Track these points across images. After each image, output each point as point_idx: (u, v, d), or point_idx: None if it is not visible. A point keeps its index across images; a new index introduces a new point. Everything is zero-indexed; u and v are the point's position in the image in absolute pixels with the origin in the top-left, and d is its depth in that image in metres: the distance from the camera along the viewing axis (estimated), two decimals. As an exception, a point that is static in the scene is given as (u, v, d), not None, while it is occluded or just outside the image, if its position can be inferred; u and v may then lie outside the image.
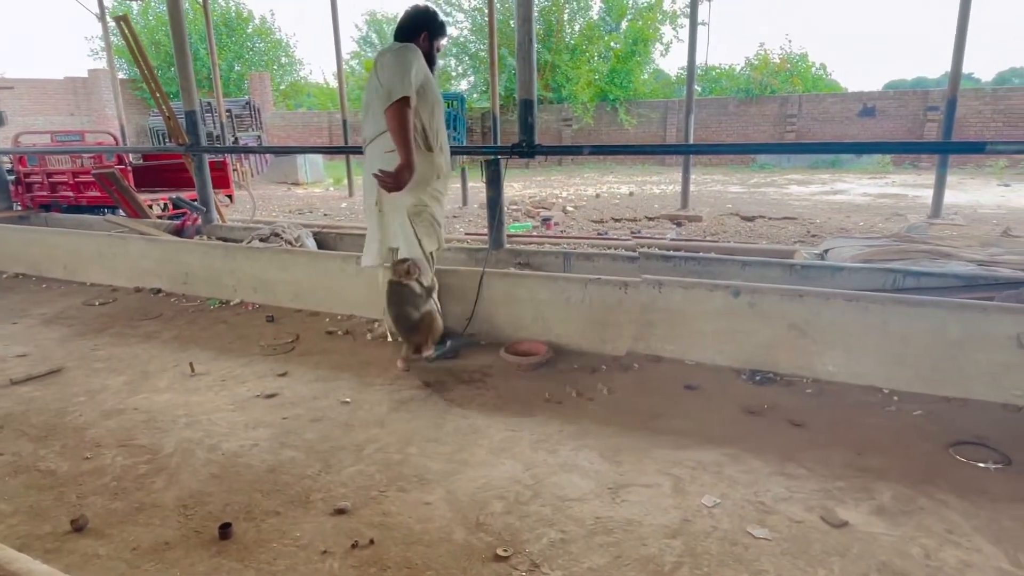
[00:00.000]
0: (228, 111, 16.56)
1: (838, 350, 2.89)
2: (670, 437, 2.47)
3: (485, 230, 7.76)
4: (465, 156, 7.12)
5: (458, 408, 2.73)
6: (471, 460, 2.35)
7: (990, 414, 2.58)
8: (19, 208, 8.14)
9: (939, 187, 7.84)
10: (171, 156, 8.56)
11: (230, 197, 8.92)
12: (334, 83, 24.88)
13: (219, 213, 6.08)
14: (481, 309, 3.49)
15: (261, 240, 4.93)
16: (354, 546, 1.93)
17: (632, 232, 7.28)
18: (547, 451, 2.40)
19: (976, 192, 10.89)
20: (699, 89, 19.97)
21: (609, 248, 5.89)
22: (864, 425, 2.53)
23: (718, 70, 20.74)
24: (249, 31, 25.59)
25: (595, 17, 20.23)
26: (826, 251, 4.76)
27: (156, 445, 2.50)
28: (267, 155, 16.49)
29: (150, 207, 7.06)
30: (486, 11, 13.04)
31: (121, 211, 6.84)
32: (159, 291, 4.65)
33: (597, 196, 11.22)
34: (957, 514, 2.02)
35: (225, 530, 1.99)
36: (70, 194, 8.21)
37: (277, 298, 4.26)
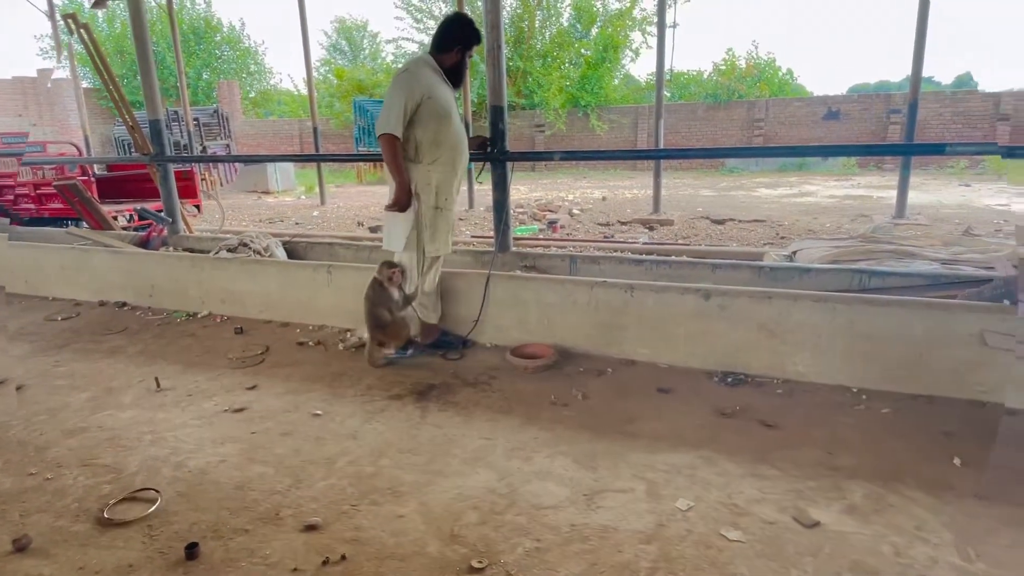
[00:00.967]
0: (196, 120, 16.28)
1: (807, 350, 2.93)
2: (644, 441, 2.48)
3: (491, 233, 7.79)
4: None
5: (440, 414, 2.71)
6: (445, 470, 2.33)
7: (956, 410, 2.64)
8: (-23, 221, 7.89)
9: (903, 188, 8.03)
10: (136, 166, 8.38)
11: (198, 207, 8.76)
12: (305, 90, 24.68)
13: (186, 224, 5.97)
14: (487, 312, 3.51)
15: (229, 250, 4.84)
16: (325, 563, 1.89)
17: (604, 236, 7.34)
18: (522, 459, 2.38)
19: (938, 192, 11.19)
20: (668, 95, 20.23)
21: (615, 251, 5.93)
22: (834, 424, 2.56)
23: (687, 75, 21.04)
24: (218, 39, 25.26)
25: (565, 24, 20.38)
26: (794, 252, 4.83)
27: (120, 464, 2.43)
28: (236, 164, 16.27)
29: (115, 219, 6.90)
30: (457, 18, 13.06)
31: (84, 223, 6.68)
32: (124, 304, 4.54)
33: (604, 199, 11.35)
34: (925, 510, 2.05)
35: (192, 550, 1.93)
36: (31, 206, 7.99)
37: (246, 309, 4.19)
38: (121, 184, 8.62)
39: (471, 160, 3.92)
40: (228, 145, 17.33)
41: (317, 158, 12.42)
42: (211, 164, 14.80)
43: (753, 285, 3.58)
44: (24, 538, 1.98)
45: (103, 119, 20.82)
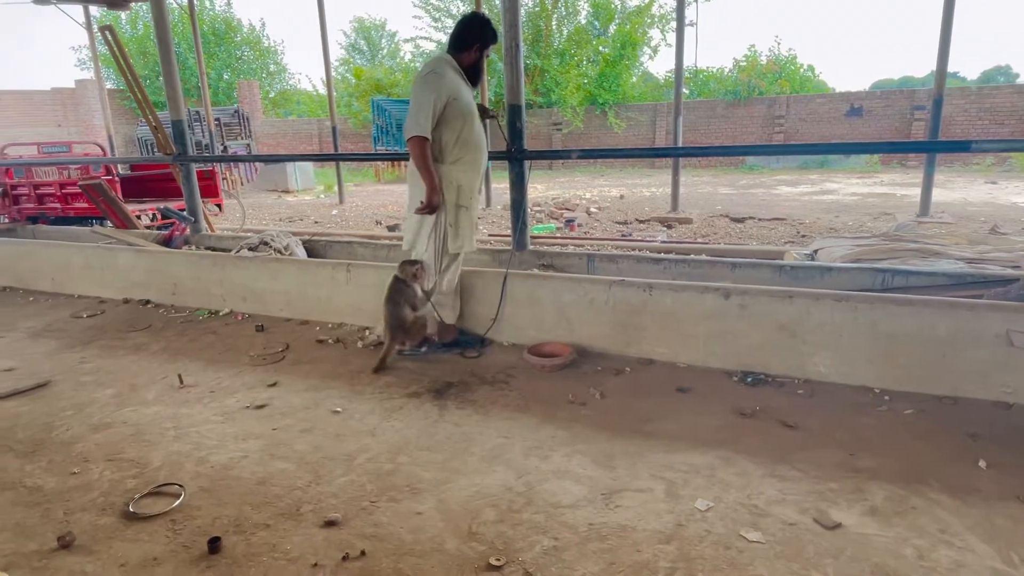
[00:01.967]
0: (217, 120, 16.51)
1: (828, 351, 2.90)
2: (663, 441, 2.47)
3: (509, 231, 7.81)
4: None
5: (458, 411, 2.73)
6: (463, 468, 2.34)
7: (981, 412, 2.59)
8: (6, 221, 8.07)
9: (927, 185, 7.90)
10: (159, 166, 8.52)
11: (219, 206, 8.88)
12: (323, 90, 24.88)
13: (208, 222, 6.06)
14: (505, 310, 3.53)
15: (250, 249, 4.90)
16: (345, 558, 1.91)
17: (622, 235, 7.32)
18: (539, 457, 2.39)
19: (964, 190, 10.99)
20: (688, 92, 20.08)
21: (633, 250, 5.93)
22: (856, 425, 2.53)
23: (706, 73, 20.86)
24: (238, 40, 25.55)
25: (583, 22, 20.32)
26: (815, 251, 4.78)
27: (144, 459, 2.47)
28: (257, 163, 16.47)
29: (138, 217, 7.02)
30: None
31: (109, 222, 6.80)
32: (147, 302, 4.62)
33: (621, 197, 11.34)
34: (949, 513, 2.02)
35: (214, 544, 1.96)
36: (57, 206, 8.15)
37: (267, 307, 4.24)
38: (144, 183, 8.76)
39: (491, 159, 3.92)
40: (249, 145, 17.54)
41: (336, 157, 12.51)
42: (232, 164, 14.99)
43: (773, 284, 3.55)
44: (68, 535, 2.02)
45: (126, 119, 21.17)
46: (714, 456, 2.35)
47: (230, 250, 5.00)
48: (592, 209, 9.49)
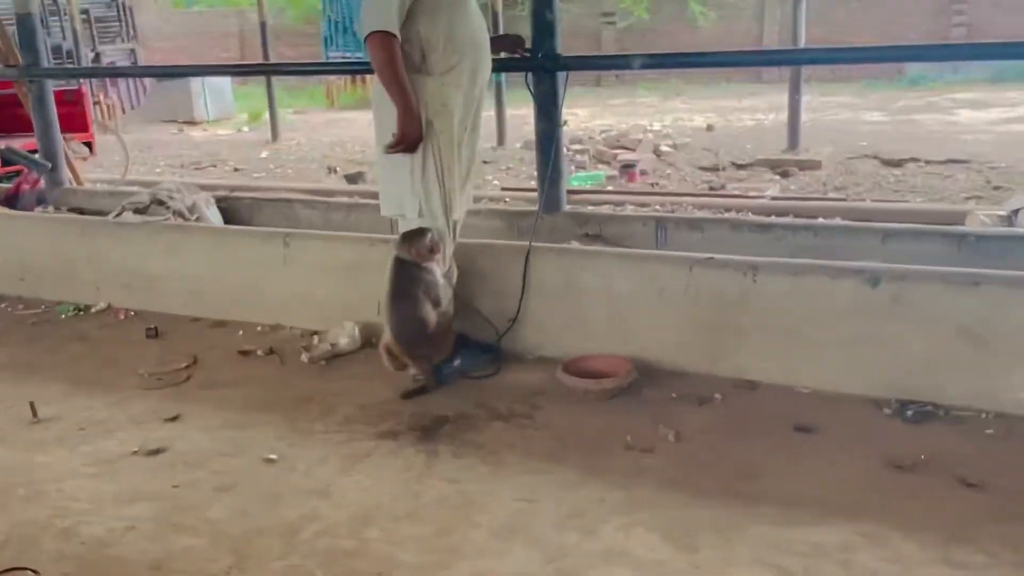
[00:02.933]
0: (85, 13, 16.66)
1: (1035, 367, 2.88)
2: (773, 507, 2.47)
3: (533, 183, 7.77)
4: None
5: (456, 461, 2.75)
6: (463, 547, 2.36)
7: None
8: None
9: None
10: (-2, 84, 8.61)
11: (89, 146, 8.98)
12: (247, -34, 24.95)
13: (72, 171, 6.13)
14: (528, 305, 3.56)
15: (137, 212, 4.96)
16: None
17: (711, 188, 7.31)
18: (581, 531, 2.40)
19: None
20: (814, -38, 19.87)
21: (727, 211, 5.94)
22: (1077, 484, 2.52)
23: (844, -69, 20.58)
24: None
25: None
26: (1016, 212, 4.73)
27: (-20, 530, 2.52)
28: (146, 80, 16.59)
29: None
30: None
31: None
32: (-18, 293, 4.70)
33: (709, 129, 11.35)
34: None
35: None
36: None
37: (163, 300, 4.30)
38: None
39: (502, 71, 3.91)
40: (133, 51, 17.70)
41: (266, 70, 12.56)
42: (109, 80, 15.13)
43: (949, 264, 3.51)
44: None
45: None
46: (852, 531, 2.35)
47: (107, 213, 5.06)
48: (663, 148, 9.49)
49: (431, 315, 3.30)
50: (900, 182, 7.45)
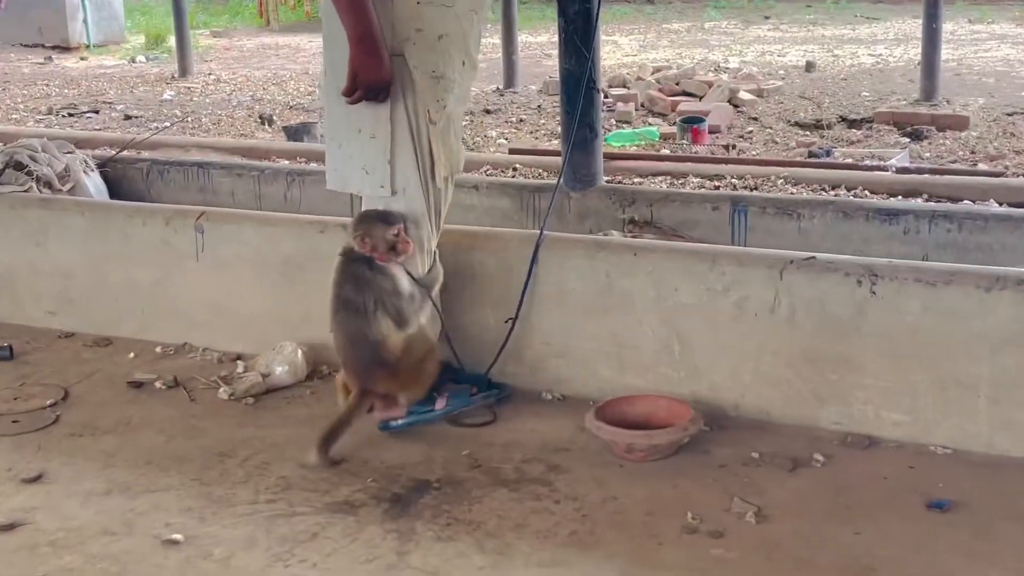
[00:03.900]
0: None
1: None
2: (896, 621, 2.46)
3: (555, 143, 7.71)
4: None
5: (440, 545, 2.74)
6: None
7: None
8: None
9: None
10: None
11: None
12: None
13: None
14: (542, 320, 3.57)
15: (-14, 177, 4.96)
16: None
17: (811, 154, 7.28)
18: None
19: None
20: None
21: (833, 189, 5.88)
22: None
23: None
24: None
25: None
26: None
27: None
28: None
29: None
30: None
31: None
32: None
33: (809, 68, 11.37)
34: None
35: None
36: None
37: (20, 308, 4.34)
38: None
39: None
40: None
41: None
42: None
43: None
44: None
45: None
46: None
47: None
48: (743, 95, 9.47)
49: (393, 336, 3.30)
50: (1084, 149, 7.42)
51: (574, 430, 3.32)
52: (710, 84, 9.71)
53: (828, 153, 7.35)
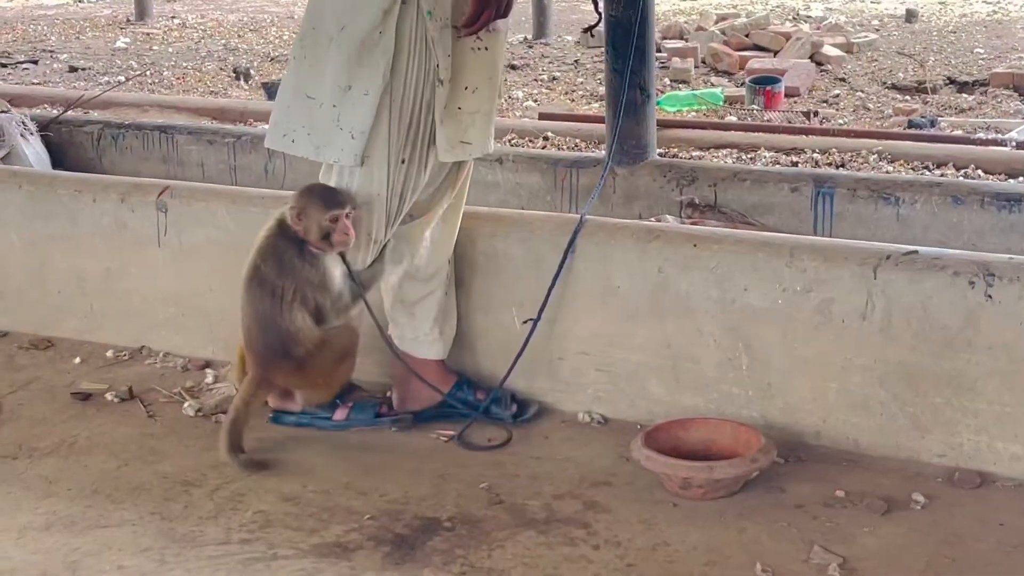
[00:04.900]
0: None
1: None
2: None
3: (592, 108, 7.72)
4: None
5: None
6: None
7: None
8: None
9: None
10: None
11: None
12: None
13: None
14: (578, 323, 3.59)
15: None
16: None
17: (911, 124, 7.25)
18: None
19: None
20: None
21: (938, 168, 5.84)
22: None
23: None
24: None
25: None
26: None
27: None
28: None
29: None
30: None
31: None
32: None
33: (911, 17, 11.31)
34: None
35: None
36: None
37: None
38: None
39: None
40: None
41: None
42: None
43: None
44: None
45: None
46: None
47: None
48: (827, 49, 9.43)
49: (307, 331, 3.34)
50: None
51: (617, 460, 3.32)
52: (787, 36, 9.69)
53: (933, 123, 7.31)
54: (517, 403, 3.59)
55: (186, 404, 3.69)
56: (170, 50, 10.82)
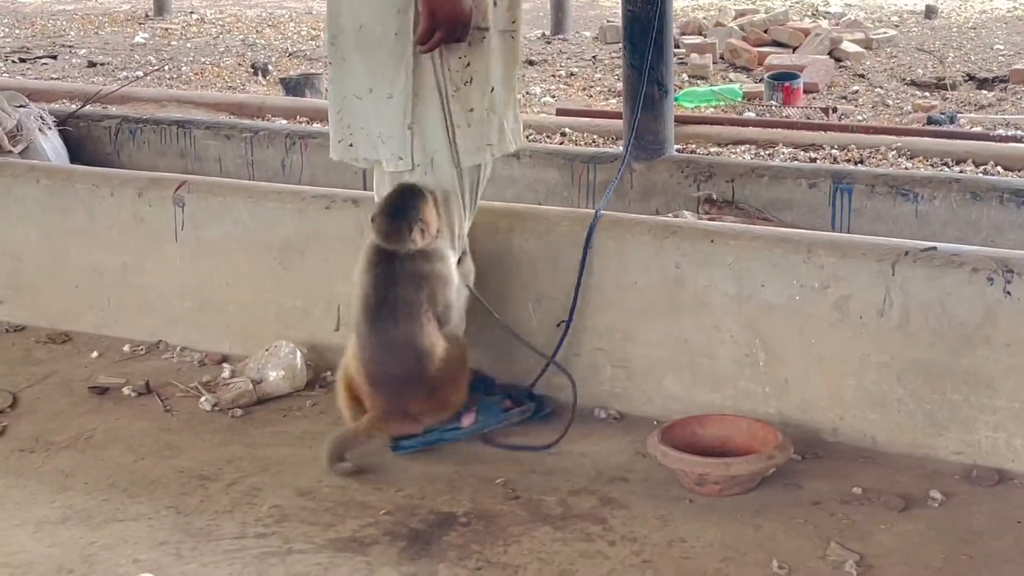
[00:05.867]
0: None
1: None
2: None
3: (610, 104, 7.70)
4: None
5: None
6: None
7: None
8: None
9: None
10: None
11: None
12: None
13: None
14: (594, 318, 3.58)
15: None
16: None
17: (930, 120, 7.24)
18: None
19: None
20: None
21: (957, 164, 5.83)
22: None
23: None
24: None
25: None
26: None
27: None
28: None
29: None
30: None
31: None
32: None
33: (931, 13, 11.25)
34: None
35: None
36: None
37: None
38: None
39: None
40: None
41: None
42: None
43: None
44: None
45: None
46: None
47: None
48: (846, 45, 9.41)
49: (439, 345, 3.30)
50: None
51: (633, 456, 3.32)
52: (806, 32, 9.67)
53: (952, 120, 7.29)
54: (532, 398, 3.59)
55: (203, 399, 3.70)
56: (188, 45, 10.82)
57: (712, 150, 6.11)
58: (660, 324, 3.52)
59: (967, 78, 8.51)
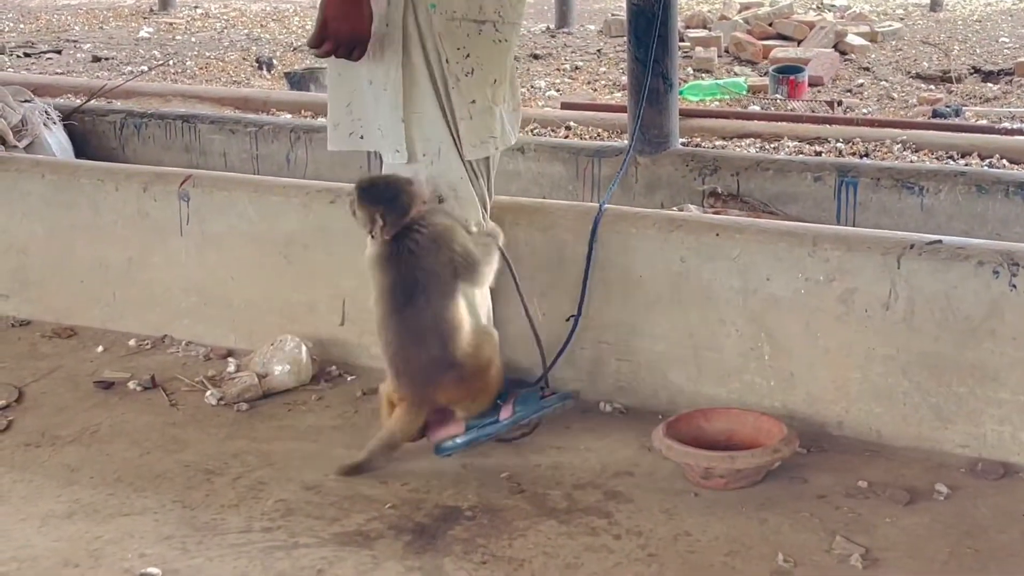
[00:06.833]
0: None
1: None
2: None
3: (614, 98, 7.72)
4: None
5: None
6: None
7: None
8: None
9: None
10: None
11: None
12: None
13: None
14: (599, 312, 3.58)
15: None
16: None
17: (935, 113, 7.22)
18: None
19: None
20: None
21: (963, 156, 5.83)
22: None
23: None
24: None
25: None
26: None
27: None
28: None
29: None
30: None
31: None
32: None
33: (936, 6, 11.31)
34: None
35: None
36: None
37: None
38: None
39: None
40: None
41: None
42: None
43: None
44: None
45: None
46: None
47: None
48: (851, 38, 9.40)
49: (465, 325, 3.27)
50: None
51: (638, 450, 3.32)
52: (811, 25, 9.66)
53: (957, 113, 7.28)
54: (543, 390, 3.55)
55: (208, 393, 3.70)
56: (193, 40, 10.84)
57: (717, 144, 6.10)
58: (665, 318, 3.52)
59: (972, 71, 8.51)
